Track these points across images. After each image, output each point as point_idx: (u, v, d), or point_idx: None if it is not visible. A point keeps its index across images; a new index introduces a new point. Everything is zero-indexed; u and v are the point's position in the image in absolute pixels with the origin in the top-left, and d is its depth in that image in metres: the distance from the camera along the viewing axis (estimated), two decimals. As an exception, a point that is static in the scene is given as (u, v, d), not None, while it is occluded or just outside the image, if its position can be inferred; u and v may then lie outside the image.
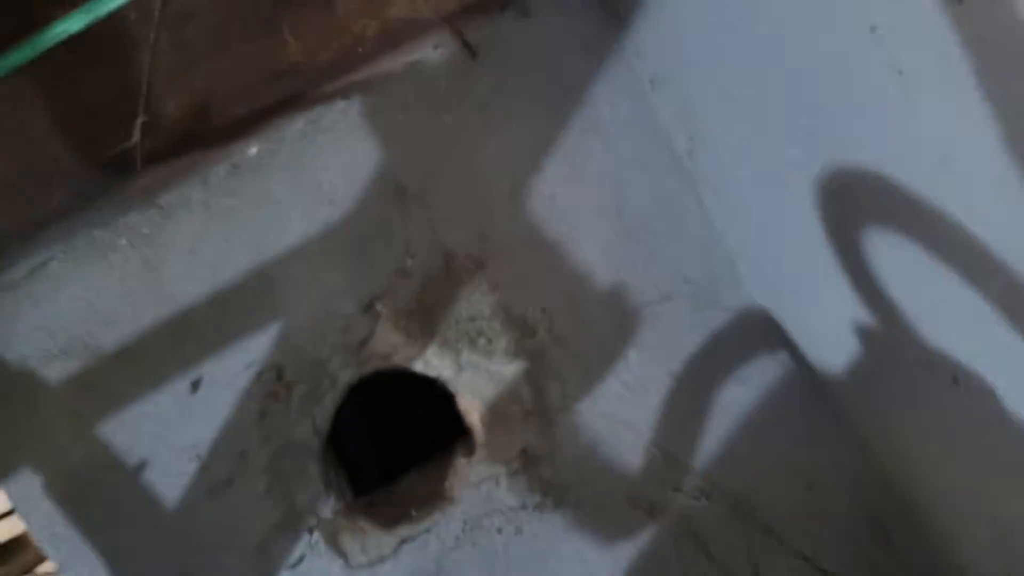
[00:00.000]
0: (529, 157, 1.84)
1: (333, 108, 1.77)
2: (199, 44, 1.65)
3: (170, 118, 1.68)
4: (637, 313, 1.87)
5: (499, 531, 1.85)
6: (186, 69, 1.66)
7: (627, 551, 1.89)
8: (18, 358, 1.67)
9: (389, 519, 1.84)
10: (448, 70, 1.81)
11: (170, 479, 1.72)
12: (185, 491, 1.73)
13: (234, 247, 1.74)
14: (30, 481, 1.67)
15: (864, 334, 1.52)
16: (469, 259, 1.83)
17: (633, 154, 1.87)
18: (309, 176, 1.77)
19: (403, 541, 1.82)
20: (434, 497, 1.88)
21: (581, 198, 1.85)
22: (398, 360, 1.82)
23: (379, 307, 1.79)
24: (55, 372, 1.68)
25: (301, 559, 1.78)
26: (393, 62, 1.79)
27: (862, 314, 1.48)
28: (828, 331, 1.66)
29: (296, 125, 1.76)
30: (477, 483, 1.85)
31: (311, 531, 1.79)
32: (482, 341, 1.83)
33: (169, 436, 1.72)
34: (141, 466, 1.71)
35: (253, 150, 1.75)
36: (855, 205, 1.31)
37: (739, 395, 1.90)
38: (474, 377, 1.84)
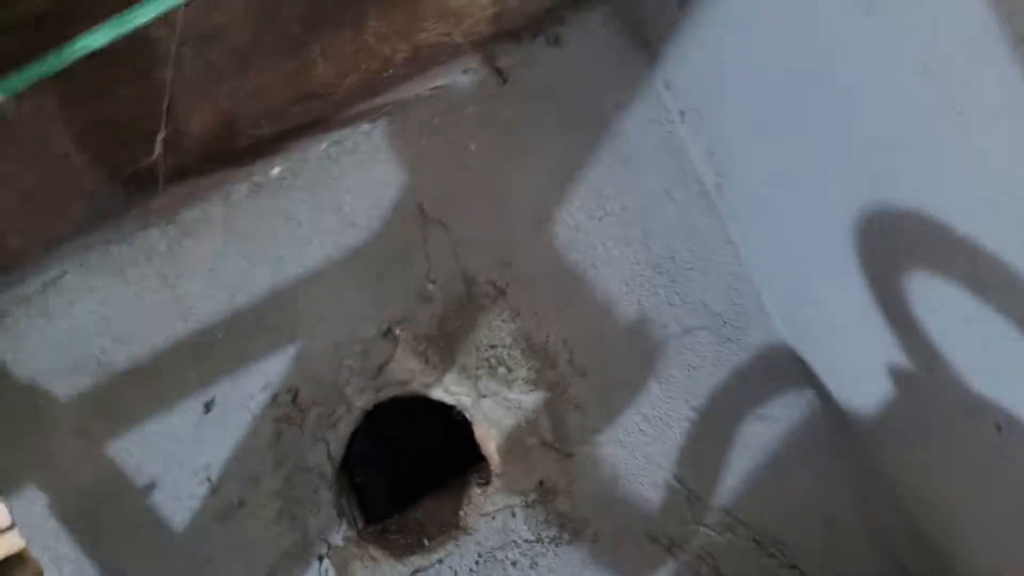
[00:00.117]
0: (555, 185, 1.82)
1: (358, 130, 1.75)
2: (225, 63, 1.63)
3: (193, 136, 1.66)
4: (660, 346, 1.84)
5: (514, 564, 1.81)
6: (211, 87, 1.64)
7: (644, 587, 1.84)
8: (28, 373, 1.65)
9: (401, 549, 1.80)
10: (476, 95, 1.79)
11: (179, 501, 1.68)
12: (194, 514, 1.69)
13: (253, 266, 1.72)
14: (35, 498, 1.63)
15: (900, 377, 1.48)
16: (491, 286, 1.80)
17: (661, 186, 1.85)
18: (331, 197, 1.75)
19: (416, 572, 1.78)
20: (448, 527, 1.83)
21: (606, 229, 1.83)
22: (416, 386, 1.79)
23: (398, 332, 1.76)
24: (65, 388, 1.65)
25: (311, 588, 1.74)
26: (421, 86, 1.78)
27: (899, 356, 1.44)
28: (859, 371, 1.62)
29: (320, 146, 1.74)
30: (492, 513, 1.81)
31: (321, 559, 1.74)
32: (502, 370, 1.80)
33: (180, 457, 1.69)
34: (150, 487, 1.68)
35: (276, 170, 1.73)
36: (899, 245, 1.28)
37: (762, 432, 1.87)
38: (492, 406, 1.80)
